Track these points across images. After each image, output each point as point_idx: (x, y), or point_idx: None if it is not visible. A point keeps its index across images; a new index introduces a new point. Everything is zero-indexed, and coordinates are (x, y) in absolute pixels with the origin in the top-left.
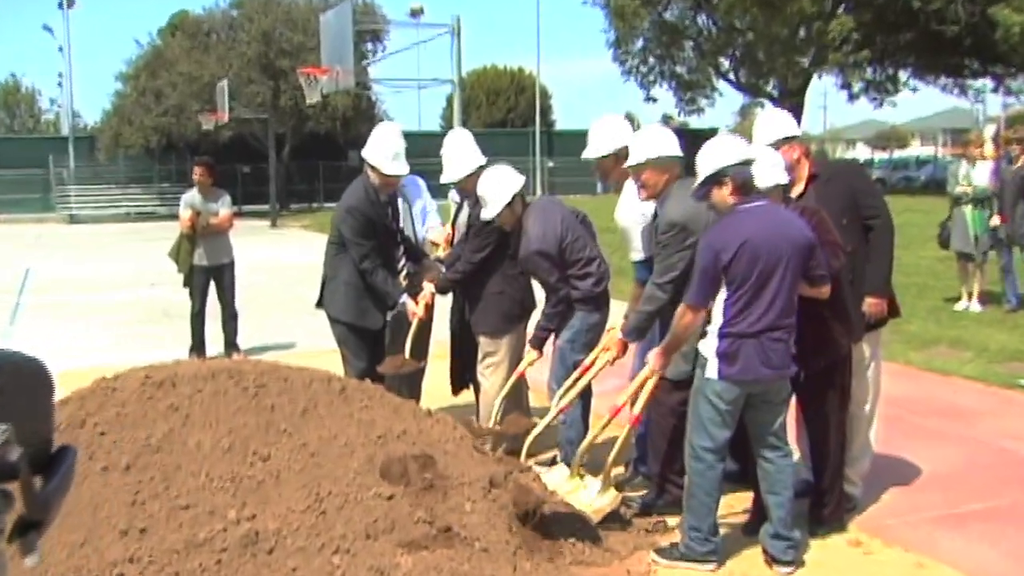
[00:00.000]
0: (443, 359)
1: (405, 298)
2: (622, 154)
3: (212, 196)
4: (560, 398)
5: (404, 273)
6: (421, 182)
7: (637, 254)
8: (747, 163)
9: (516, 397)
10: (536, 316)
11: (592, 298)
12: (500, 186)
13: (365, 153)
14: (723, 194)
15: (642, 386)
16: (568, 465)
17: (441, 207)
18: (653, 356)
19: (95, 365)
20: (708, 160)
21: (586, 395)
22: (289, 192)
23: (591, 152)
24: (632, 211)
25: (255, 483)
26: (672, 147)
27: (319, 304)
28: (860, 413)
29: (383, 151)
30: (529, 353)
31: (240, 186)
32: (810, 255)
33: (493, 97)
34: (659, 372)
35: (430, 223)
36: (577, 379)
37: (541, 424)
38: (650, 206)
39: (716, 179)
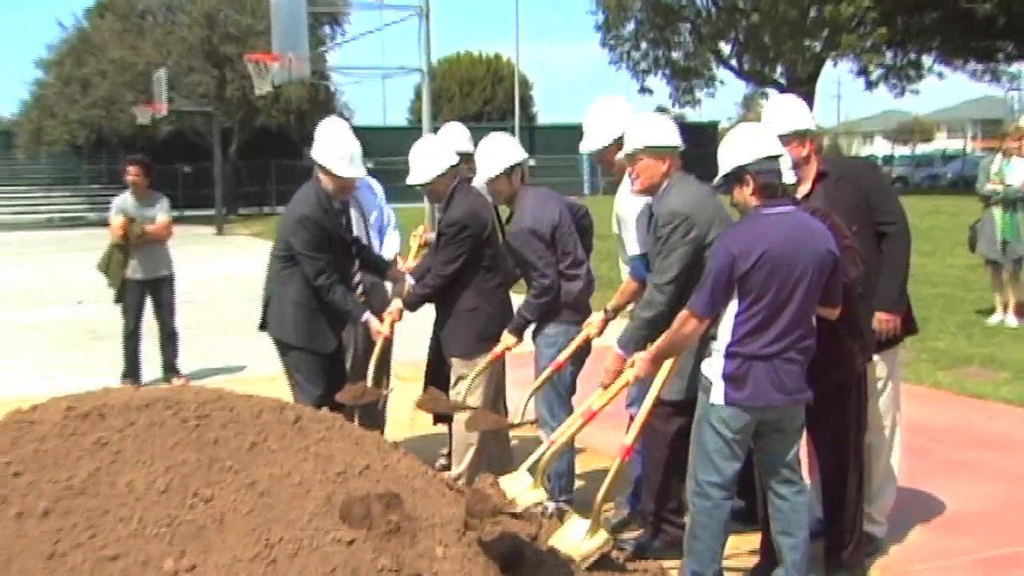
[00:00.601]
0: (409, 382)
1: (368, 316)
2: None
3: (148, 200)
4: (528, 400)
5: (359, 289)
6: (377, 187)
7: (634, 247)
8: (772, 160)
9: (493, 399)
10: None
11: (575, 305)
12: (502, 147)
13: (315, 154)
14: (744, 194)
15: (622, 390)
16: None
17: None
18: (639, 359)
19: (10, 395)
20: (729, 155)
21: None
22: (237, 195)
23: (590, 144)
24: (634, 199)
25: (195, 528)
26: (671, 135)
27: (262, 327)
28: (878, 441)
29: (336, 151)
30: (506, 337)
31: (181, 188)
32: (834, 272)
33: (467, 88)
34: (642, 377)
35: (389, 244)
36: (548, 377)
37: (531, 458)
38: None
39: (736, 177)
